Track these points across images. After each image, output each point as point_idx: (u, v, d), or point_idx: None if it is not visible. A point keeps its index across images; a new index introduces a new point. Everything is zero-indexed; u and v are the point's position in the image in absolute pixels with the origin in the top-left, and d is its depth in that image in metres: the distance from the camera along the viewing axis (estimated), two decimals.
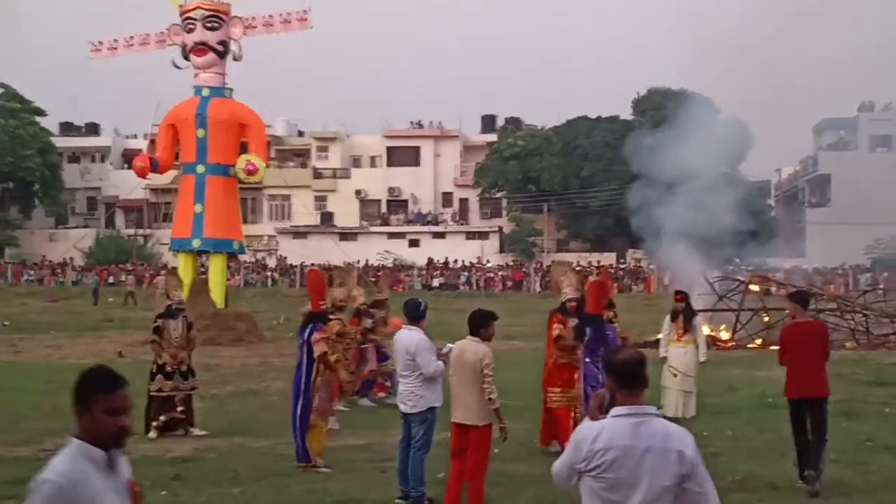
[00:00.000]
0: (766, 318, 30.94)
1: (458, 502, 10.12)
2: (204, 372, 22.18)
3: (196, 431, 15.07)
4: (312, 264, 66.43)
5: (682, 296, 17.12)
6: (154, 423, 14.84)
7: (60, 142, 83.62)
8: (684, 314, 16.67)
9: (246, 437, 14.62)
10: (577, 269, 52.90)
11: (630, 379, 5.07)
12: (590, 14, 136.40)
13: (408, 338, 10.64)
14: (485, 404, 9.96)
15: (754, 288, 33.38)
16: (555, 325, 13.69)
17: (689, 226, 27.38)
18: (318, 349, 12.57)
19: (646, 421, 4.99)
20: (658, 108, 69.10)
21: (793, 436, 11.38)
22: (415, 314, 10.93)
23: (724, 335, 30.47)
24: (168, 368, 15.05)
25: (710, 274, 32.54)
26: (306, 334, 12.65)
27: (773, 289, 36.08)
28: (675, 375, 16.15)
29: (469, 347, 10.08)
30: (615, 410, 5.04)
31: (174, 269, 59.46)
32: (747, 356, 26.70)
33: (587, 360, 13.10)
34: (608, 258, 73.53)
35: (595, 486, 4.98)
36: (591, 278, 15.27)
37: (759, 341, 29.71)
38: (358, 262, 69.29)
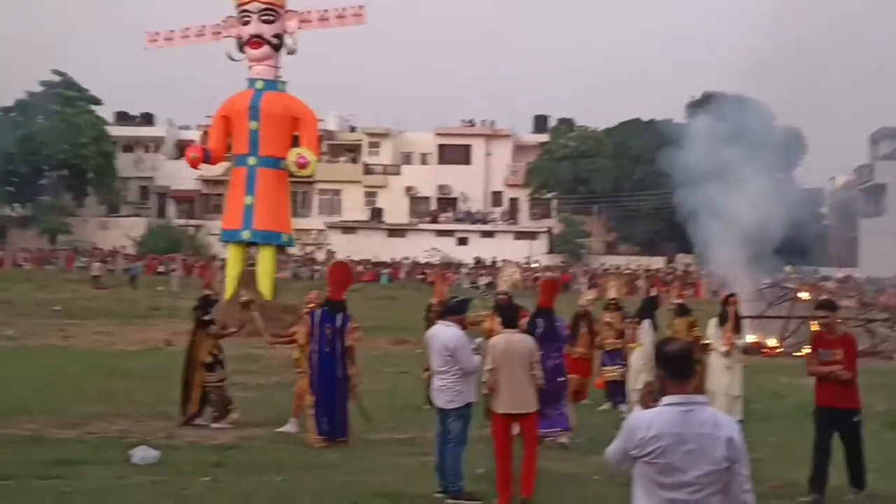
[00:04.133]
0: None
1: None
2: (251, 363, 22.40)
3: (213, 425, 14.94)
4: (372, 261, 66.54)
5: (736, 298, 16.93)
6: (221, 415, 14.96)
7: (115, 131, 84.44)
8: (734, 320, 16.51)
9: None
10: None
11: (679, 369, 5.35)
12: (646, 16, 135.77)
13: (445, 334, 10.70)
14: (534, 391, 10.40)
15: (804, 296, 33.04)
16: None
17: (740, 232, 27.18)
18: (352, 339, 13.46)
19: (696, 409, 5.28)
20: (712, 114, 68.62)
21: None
22: (452, 310, 11.06)
23: (772, 342, 30.18)
24: (221, 358, 15.15)
25: (760, 281, 32.25)
26: (338, 322, 13.20)
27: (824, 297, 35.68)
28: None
29: (516, 339, 10.51)
30: (666, 399, 5.32)
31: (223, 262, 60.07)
32: (794, 364, 26.36)
33: (540, 352, 13.44)
34: (657, 262, 73.29)
35: (648, 471, 5.27)
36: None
37: (807, 349, 29.32)
38: (406, 258, 69.57)
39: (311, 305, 14.63)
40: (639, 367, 15.65)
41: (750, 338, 28.49)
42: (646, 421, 5.28)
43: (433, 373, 11.01)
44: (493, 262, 71.03)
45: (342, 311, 13.56)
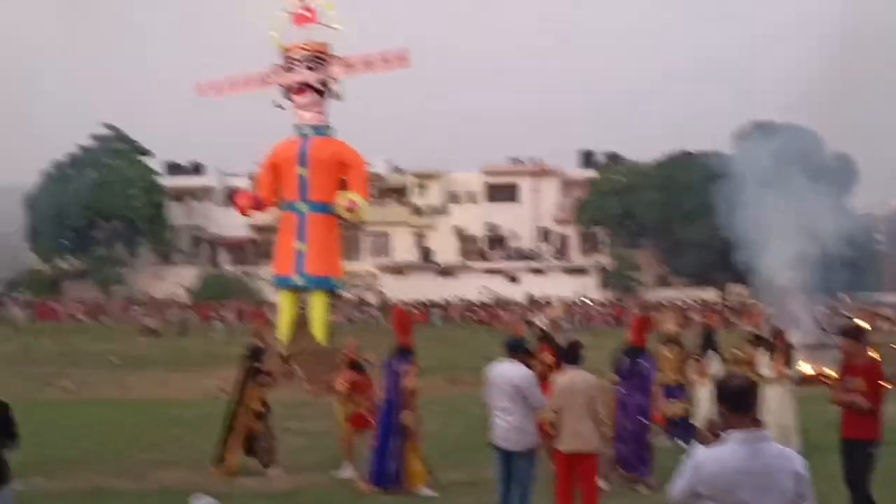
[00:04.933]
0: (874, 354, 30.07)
1: None
2: (303, 407, 22.41)
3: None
4: (421, 302, 66.65)
5: (781, 334, 16.84)
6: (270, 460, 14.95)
7: (166, 181, 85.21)
8: (786, 351, 16.42)
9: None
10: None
11: (743, 403, 5.31)
12: (685, 49, 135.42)
13: (513, 372, 10.55)
14: (596, 431, 10.16)
15: (861, 323, 32.62)
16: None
17: (795, 260, 26.96)
18: (410, 383, 12.99)
19: (762, 444, 5.25)
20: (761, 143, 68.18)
21: None
22: (517, 348, 10.95)
23: (829, 371, 29.73)
24: (268, 405, 15.23)
25: (816, 308, 31.89)
26: (395, 366, 13.10)
27: (882, 323, 35.27)
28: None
29: (578, 377, 10.38)
30: (733, 435, 5.26)
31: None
32: None
33: (621, 389, 13.27)
34: (709, 293, 72.68)
35: None
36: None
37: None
38: (457, 298, 69.53)
39: (349, 354, 14.75)
40: (707, 401, 15.53)
41: (807, 367, 28.18)
42: (713, 457, 5.24)
43: (495, 411, 10.85)
44: (546, 300, 70.85)
45: (406, 355, 13.48)
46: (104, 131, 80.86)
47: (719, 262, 68.19)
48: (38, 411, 22.99)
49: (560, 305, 21.77)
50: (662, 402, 17.81)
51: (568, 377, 10.49)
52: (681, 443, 17.13)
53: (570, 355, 10.88)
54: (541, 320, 17.01)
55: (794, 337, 24.94)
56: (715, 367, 16.27)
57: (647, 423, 13.65)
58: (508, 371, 10.57)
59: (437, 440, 16.90)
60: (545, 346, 14.91)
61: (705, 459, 5.26)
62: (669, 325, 19.21)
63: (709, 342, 17.38)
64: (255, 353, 15.51)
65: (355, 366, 15.04)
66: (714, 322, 28.13)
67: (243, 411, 15.00)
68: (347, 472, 14.39)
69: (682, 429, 17.69)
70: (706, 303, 69.31)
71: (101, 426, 20.38)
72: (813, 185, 28.57)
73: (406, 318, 15.00)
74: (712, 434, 5.52)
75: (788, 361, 16.43)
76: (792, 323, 26.93)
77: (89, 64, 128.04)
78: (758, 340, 17.71)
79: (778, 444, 5.38)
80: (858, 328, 12.39)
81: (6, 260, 79.92)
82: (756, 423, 5.32)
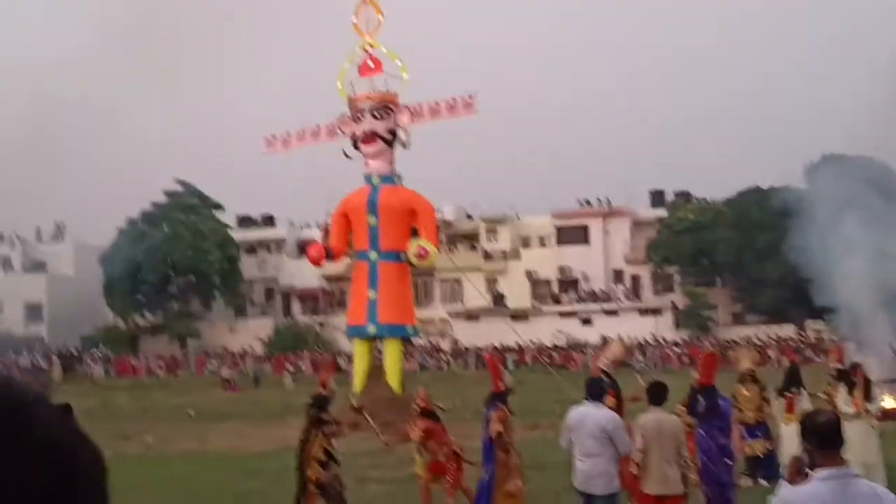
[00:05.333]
0: None
1: None
2: (385, 456, 22.39)
3: None
4: (494, 347, 66.57)
5: (858, 368, 16.61)
6: None
7: (238, 234, 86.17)
8: (864, 386, 16.19)
9: None
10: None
11: (830, 440, 5.18)
12: (751, 86, 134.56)
13: (601, 415, 10.49)
14: (680, 473, 10.01)
15: None
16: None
17: (873, 293, 26.56)
18: (493, 428, 12.99)
19: (852, 482, 5.08)
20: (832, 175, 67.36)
21: None
22: (597, 391, 10.90)
23: None
24: (334, 454, 15.20)
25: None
26: (487, 413, 13.16)
27: None
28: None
29: (666, 419, 10.34)
30: (819, 473, 5.10)
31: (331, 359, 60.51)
32: None
33: (701, 430, 13.10)
34: (786, 330, 71.76)
35: None
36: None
37: None
38: (531, 342, 69.27)
39: (422, 404, 14.73)
40: (794, 438, 15.34)
41: (889, 401, 27.65)
42: (802, 497, 5.13)
43: (579, 456, 10.73)
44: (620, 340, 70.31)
45: (497, 400, 13.51)
46: (176, 187, 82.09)
47: (796, 297, 67.39)
48: (119, 466, 23.19)
49: (620, 343, 21.46)
50: (742, 441, 17.60)
51: (654, 418, 10.39)
52: (763, 482, 16.88)
53: (655, 396, 10.76)
54: (602, 361, 16.86)
55: (876, 370, 24.59)
56: (803, 404, 16.06)
57: (730, 463, 13.46)
58: (595, 414, 10.49)
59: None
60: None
61: (794, 499, 5.16)
62: (746, 362, 18.96)
63: (794, 379, 17.15)
64: (320, 402, 15.53)
65: (428, 414, 15.02)
66: (795, 359, 27.82)
67: (307, 461, 15.03)
68: None
69: (765, 467, 17.44)
70: (783, 340, 68.47)
71: (183, 480, 20.51)
72: (889, 215, 28.16)
73: (497, 363, 15.17)
74: (799, 472, 5.43)
75: (868, 395, 16.16)
76: (873, 356, 26.51)
77: (159, 120, 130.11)
78: (839, 375, 17.43)
79: (868, 482, 5.25)
80: None
81: (85, 317, 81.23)
82: (843, 460, 5.22)
